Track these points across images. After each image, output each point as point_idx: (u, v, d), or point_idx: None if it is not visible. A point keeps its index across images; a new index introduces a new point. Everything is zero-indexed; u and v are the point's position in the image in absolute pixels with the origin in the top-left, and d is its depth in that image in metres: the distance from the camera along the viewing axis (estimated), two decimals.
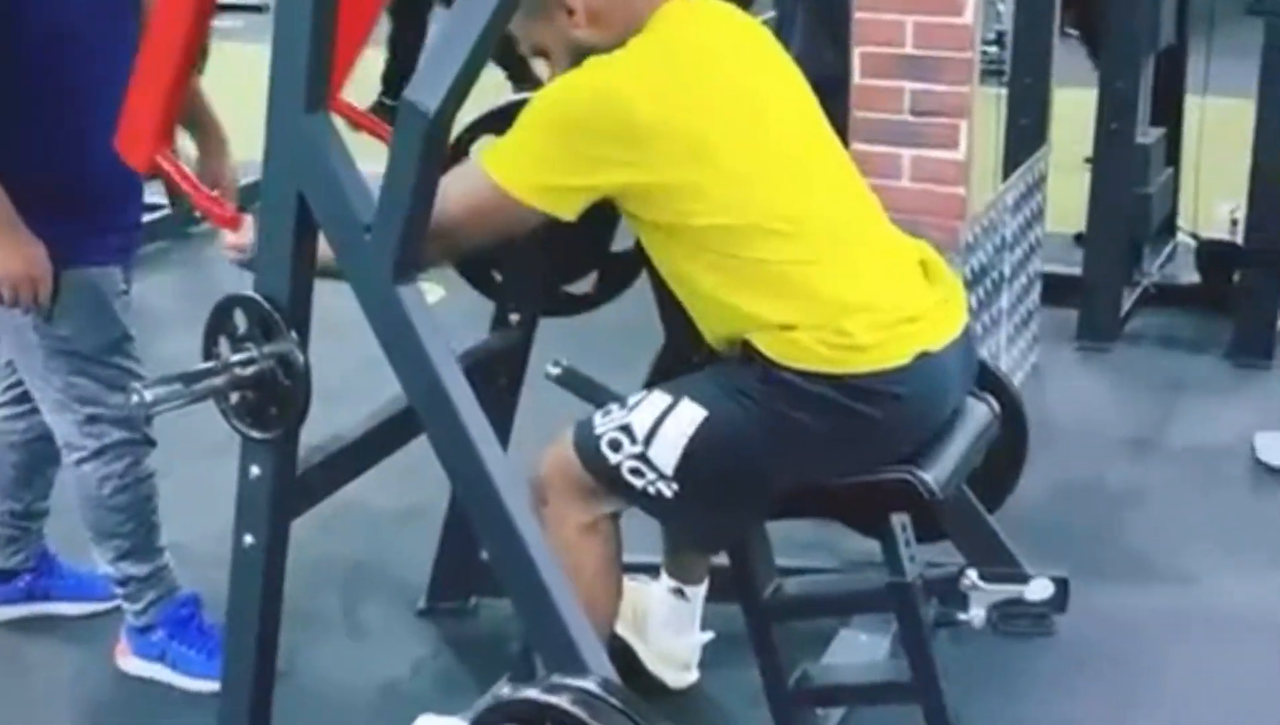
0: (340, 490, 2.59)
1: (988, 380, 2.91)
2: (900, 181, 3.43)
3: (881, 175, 3.36)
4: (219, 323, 2.16)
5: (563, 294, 2.88)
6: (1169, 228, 4.88)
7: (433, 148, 1.89)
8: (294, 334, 2.10)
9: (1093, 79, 4.43)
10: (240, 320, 2.14)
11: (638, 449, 2.20)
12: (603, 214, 2.60)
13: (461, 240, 2.18)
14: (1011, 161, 4.32)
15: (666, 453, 2.19)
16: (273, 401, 2.14)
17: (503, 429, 2.85)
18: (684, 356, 2.48)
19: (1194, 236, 4.81)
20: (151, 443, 2.78)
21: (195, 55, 2.38)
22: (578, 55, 2.20)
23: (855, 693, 2.49)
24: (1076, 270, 4.50)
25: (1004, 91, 4.50)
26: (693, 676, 2.79)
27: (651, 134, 2.11)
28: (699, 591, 2.73)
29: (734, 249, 2.17)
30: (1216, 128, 4.77)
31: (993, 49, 6.92)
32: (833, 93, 3.22)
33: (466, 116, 2.40)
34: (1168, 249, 4.91)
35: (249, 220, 2.25)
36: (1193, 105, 4.82)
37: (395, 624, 3.03)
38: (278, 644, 2.35)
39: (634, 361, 2.79)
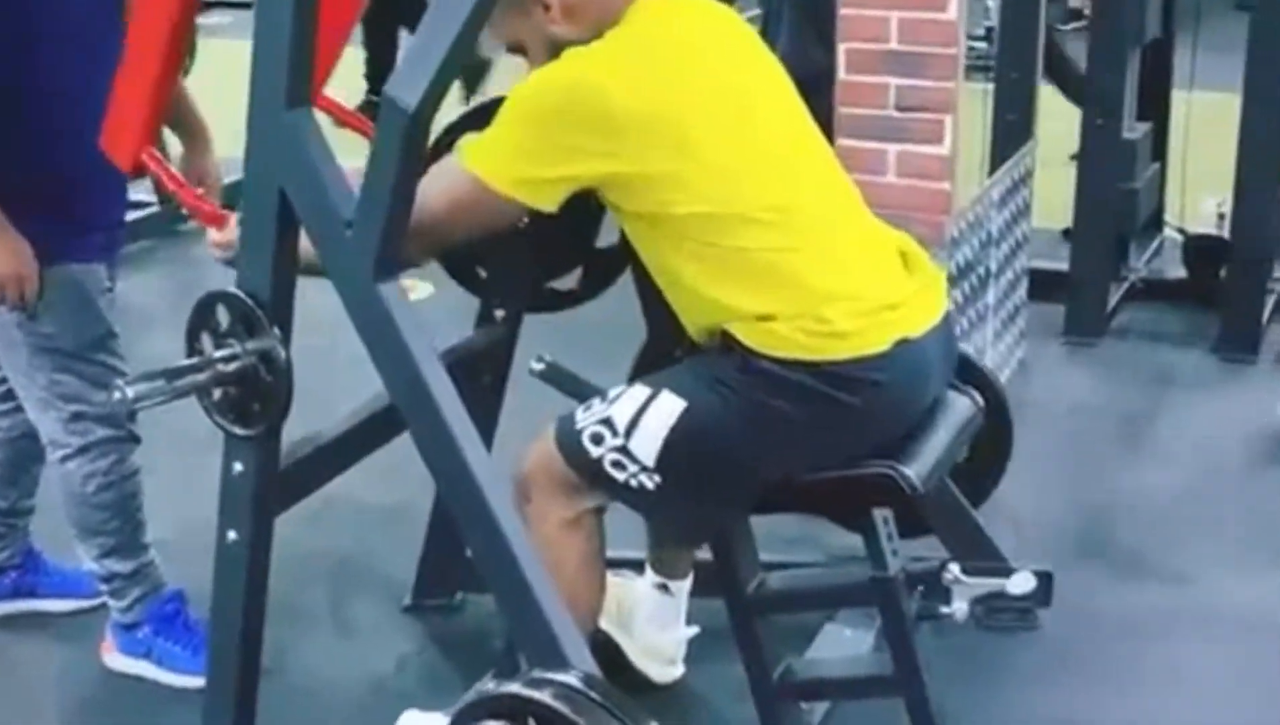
0: (326, 486, 2.59)
1: (972, 374, 2.91)
2: (886, 177, 3.43)
3: (867, 170, 3.37)
4: (202, 319, 2.17)
5: (548, 290, 2.88)
6: (1156, 223, 4.89)
7: (413, 144, 1.90)
8: (276, 330, 2.10)
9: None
10: (223, 316, 2.14)
11: (619, 442, 2.20)
12: (587, 210, 2.61)
13: (444, 236, 2.18)
14: (999, 157, 4.33)
15: (647, 444, 2.19)
16: (255, 397, 2.14)
17: (488, 425, 2.85)
18: (666, 351, 2.48)
19: (1181, 231, 4.82)
20: (136, 439, 2.78)
21: (181, 53, 2.38)
22: (554, 50, 2.21)
23: (839, 687, 2.50)
24: (1064, 265, 4.52)
25: (992, 87, 4.51)
26: (678, 671, 2.79)
27: (628, 124, 2.12)
28: (684, 586, 2.73)
29: (715, 237, 2.18)
30: (1204, 122, 4.78)
31: (982, 44, 6.94)
32: (819, 89, 3.23)
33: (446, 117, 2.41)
34: (1155, 244, 4.92)
35: (234, 218, 2.25)
36: (1179, 100, 4.83)
37: (381, 620, 3.03)
38: (262, 640, 2.35)
39: (618, 357, 2.80)
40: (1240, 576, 3.19)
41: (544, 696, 1.84)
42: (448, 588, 3.05)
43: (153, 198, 5.16)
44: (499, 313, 2.82)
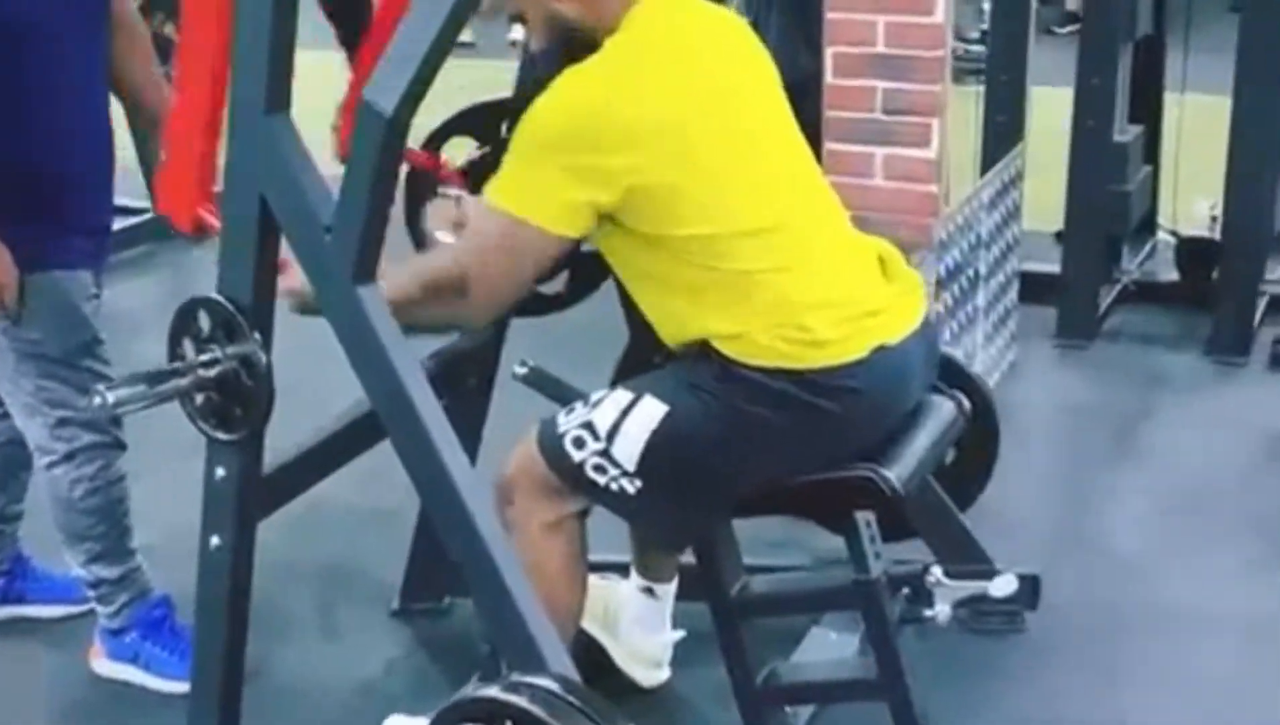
0: (314, 491, 2.60)
1: (958, 377, 2.92)
2: (873, 180, 3.45)
3: (855, 173, 3.38)
4: (183, 324, 2.17)
5: (533, 294, 2.87)
6: (1148, 225, 4.89)
7: (391, 148, 1.90)
8: (257, 335, 2.11)
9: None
10: (204, 321, 2.15)
11: (600, 446, 2.21)
12: None
13: (503, 288, 2.20)
14: (990, 159, 4.33)
15: (629, 449, 2.20)
16: (236, 402, 2.14)
17: (474, 430, 2.86)
18: (648, 355, 2.48)
19: (1174, 234, 4.82)
20: (122, 446, 2.79)
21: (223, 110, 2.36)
22: (553, 27, 2.23)
23: (823, 690, 2.49)
24: (1057, 268, 4.51)
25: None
26: (664, 675, 2.79)
27: (636, 134, 2.14)
28: (669, 590, 2.73)
29: (715, 260, 2.19)
30: (1197, 124, 4.78)
31: (977, 47, 6.93)
32: (807, 93, 3.24)
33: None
34: (1147, 246, 4.91)
35: (294, 263, 2.24)
36: (1172, 102, 4.83)
37: (369, 624, 3.03)
38: (246, 644, 2.35)
39: (601, 361, 2.80)
40: (1231, 578, 3.18)
41: (521, 701, 1.84)
42: (435, 592, 3.05)
43: (147, 203, 5.17)
44: None
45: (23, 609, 3.05)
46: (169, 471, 3.19)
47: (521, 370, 2.59)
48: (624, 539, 2.70)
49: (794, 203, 2.29)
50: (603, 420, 2.22)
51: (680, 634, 2.78)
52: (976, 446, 2.97)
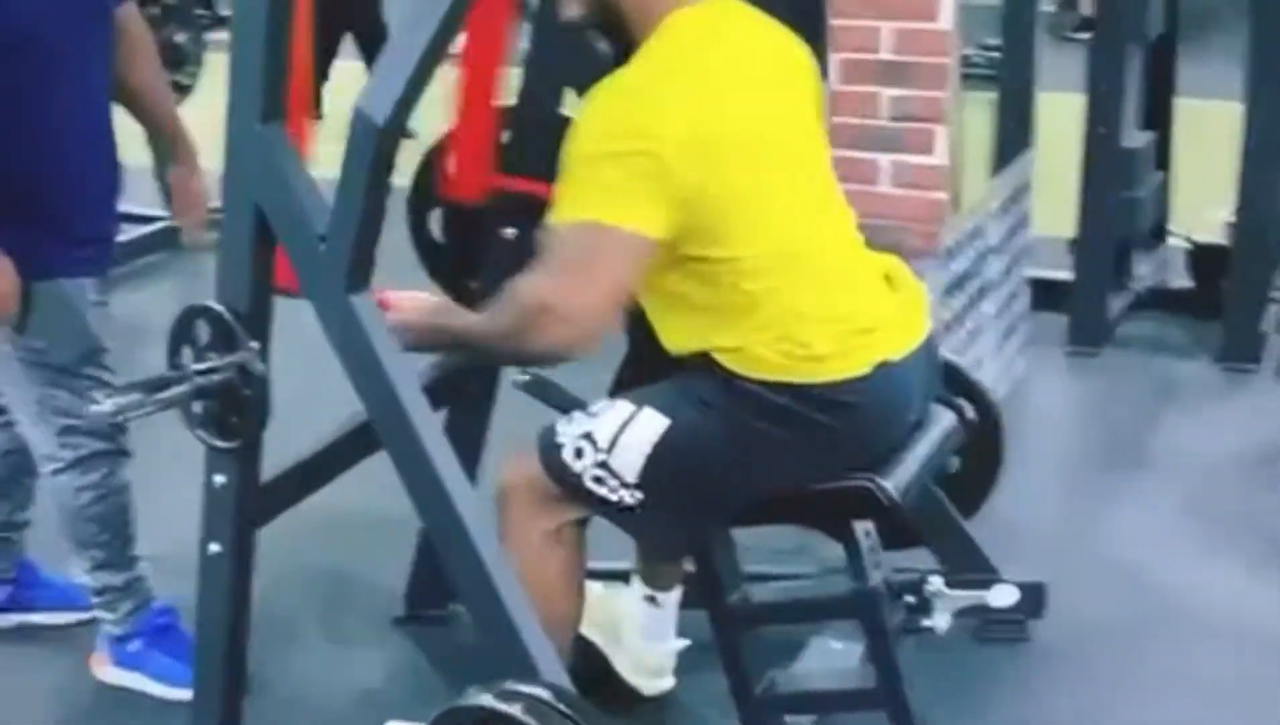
0: (319, 499, 2.61)
1: (963, 386, 2.92)
2: (879, 186, 3.45)
3: (861, 180, 3.38)
4: (182, 332, 2.18)
5: None
6: (1160, 232, 4.87)
7: (383, 157, 1.91)
8: (254, 343, 2.11)
9: None
10: (202, 330, 2.16)
11: (600, 457, 2.21)
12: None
13: (598, 303, 2.11)
14: (1001, 166, 4.33)
15: (628, 461, 2.20)
16: (234, 410, 2.15)
17: (476, 438, 2.86)
18: (647, 365, 2.48)
19: (1188, 240, 4.80)
20: (126, 453, 2.79)
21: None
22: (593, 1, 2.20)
23: (822, 700, 2.49)
24: (1069, 275, 4.50)
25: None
26: (668, 684, 2.78)
27: (684, 144, 2.10)
28: (672, 598, 2.72)
29: (737, 280, 2.17)
30: (1209, 131, 4.76)
31: (996, 54, 6.90)
32: None
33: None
34: (1159, 253, 4.89)
35: (395, 297, 2.25)
36: (1184, 108, 4.81)
37: (373, 632, 3.03)
38: (247, 650, 2.36)
39: (602, 369, 2.79)
40: (1241, 587, 3.17)
41: (514, 709, 1.85)
42: (440, 599, 3.05)
43: (160, 211, 5.18)
44: None
45: (29, 616, 3.06)
46: (179, 482, 3.19)
47: (522, 378, 2.59)
48: (627, 546, 2.69)
49: (815, 223, 2.28)
50: (603, 431, 2.22)
51: (685, 643, 2.77)
52: (981, 454, 2.97)
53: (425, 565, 3.03)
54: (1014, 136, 4.35)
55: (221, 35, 7.49)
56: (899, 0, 3.37)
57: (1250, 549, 3.33)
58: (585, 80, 2.53)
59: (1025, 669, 2.89)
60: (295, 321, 2.22)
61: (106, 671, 2.89)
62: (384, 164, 1.92)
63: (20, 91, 2.55)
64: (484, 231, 2.77)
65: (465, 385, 2.85)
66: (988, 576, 2.73)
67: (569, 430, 2.24)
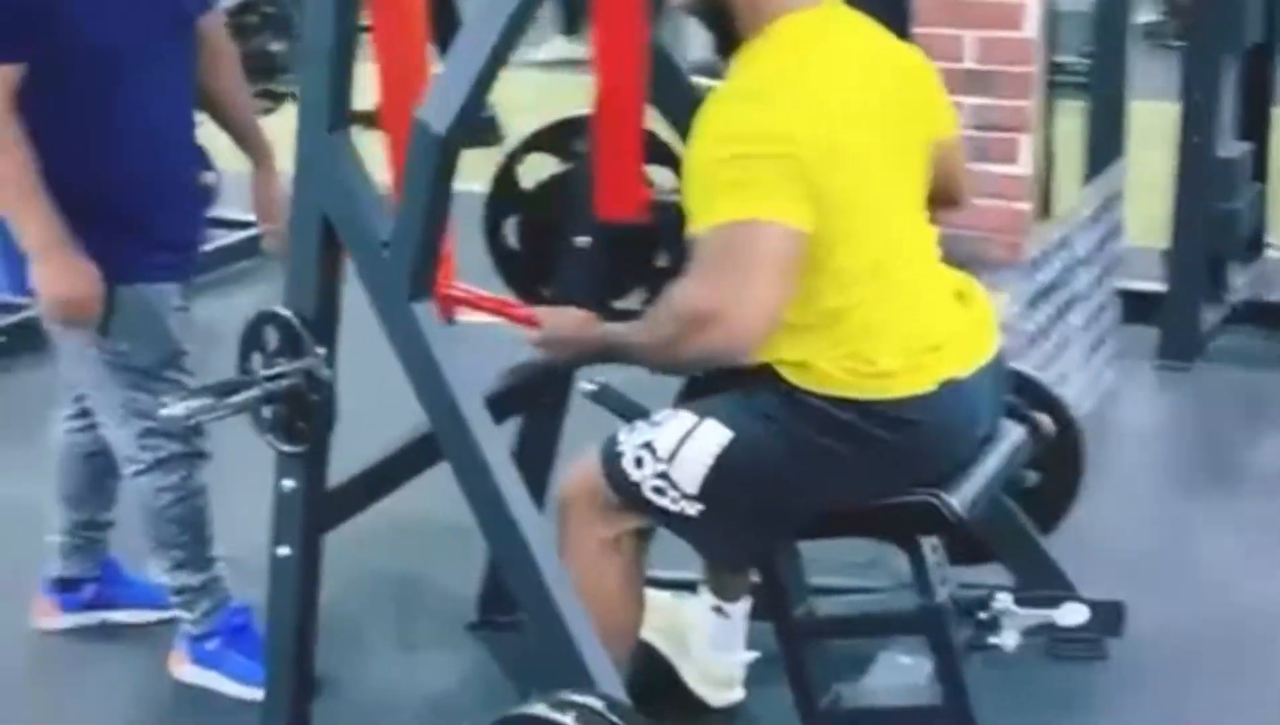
0: (393, 504, 2.62)
1: (1042, 399, 2.87)
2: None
3: None
4: (252, 338, 2.21)
5: (610, 310, 2.88)
6: (1257, 244, 4.76)
7: (444, 166, 1.92)
8: (320, 349, 2.14)
9: None
10: (271, 336, 2.19)
11: (660, 467, 2.20)
12: (649, 231, 2.62)
13: (765, 304, 2.07)
14: (1092, 176, 4.26)
15: (690, 472, 2.19)
16: (300, 415, 2.18)
17: (548, 445, 2.87)
18: (714, 376, 2.47)
19: None
20: (205, 456, 2.83)
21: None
22: None
23: (886, 716, 2.47)
24: (1161, 287, 4.41)
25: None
26: (736, 695, 2.76)
27: (822, 150, 2.09)
28: (740, 609, 2.70)
29: (832, 298, 2.16)
30: None
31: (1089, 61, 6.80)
32: None
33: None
34: (1256, 266, 4.78)
35: (544, 315, 2.29)
36: None
37: (445, 637, 3.05)
38: (315, 652, 2.38)
39: (669, 380, 2.78)
40: None
41: (567, 719, 1.84)
42: (512, 606, 3.04)
43: (252, 217, 5.24)
44: None
45: (111, 614, 3.11)
46: (255, 485, 3.24)
47: (590, 387, 2.58)
48: (695, 556, 2.68)
49: (902, 238, 2.27)
50: (664, 441, 2.21)
51: (754, 655, 2.75)
52: (1060, 469, 2.92)
53: (498, 571, 3.04)
54: (1105, 145, 4.27)
55: None
56: (983, 8, 3.32)
57: None
58: (664, 97, 2.55)
59: (1100, 688, 2.83)
60: (372, 328, 2.25)
61: (184, 670, 2.93)
62: (445, 172, 1.93)
63: (103, 99, 2.60)
64: (559, 239, 2.78)
65: (539, 393, 2.86)
66: (1059, 594, 2.68)
67: (630, 439, 2.24)
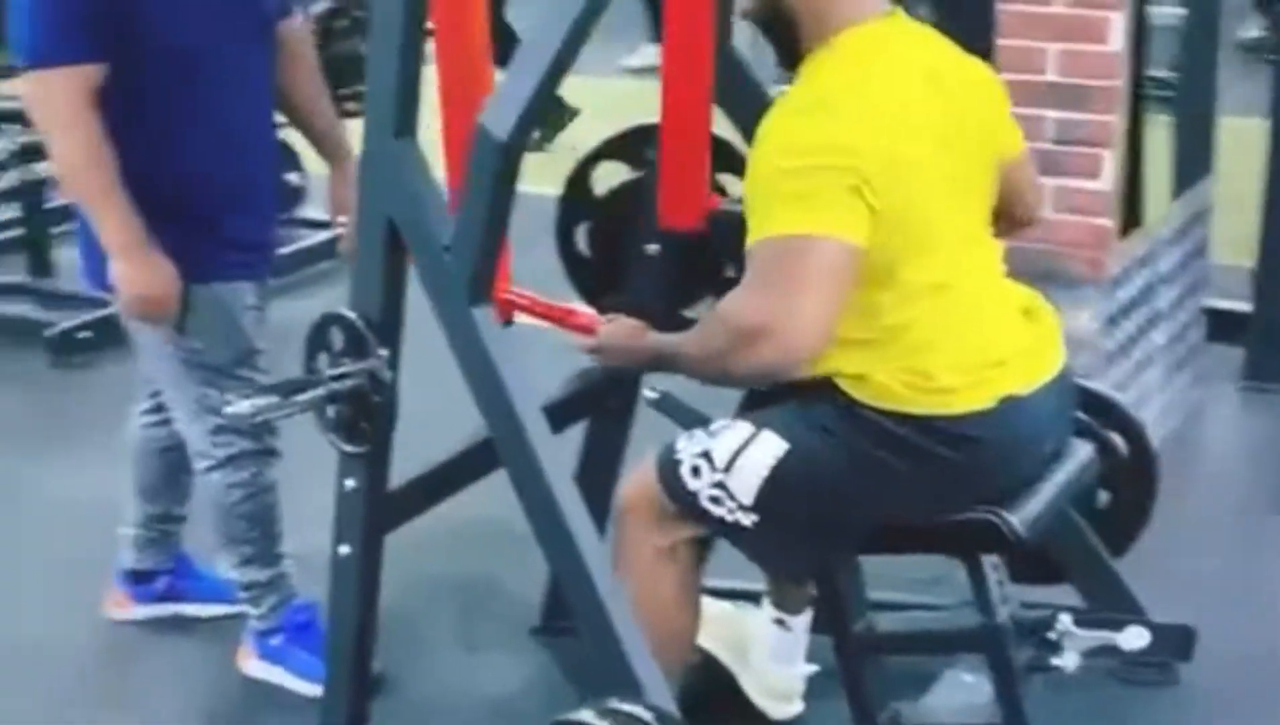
0: (458, 506, 2.64)
1: (1116, 418, 2.83)
2: (1042, 212, 3.35)
3: None
4: (318, 339, 2.24)
5: (679, 318, 2.88)
6: None
7: (506, 172, 1.93)
8: (383, 351, 2.16)
9: None
10: (336, 337, 2.21)
11: (717, 477, 2.20)
12: (717, 240, 2.61)
13: (818, 320, 2.04)
14: (1179, 193, 4.18)
15: (746, 482, 2.18)
16: (363, 416, 2.20)
17: (614, 451, 2.87)
18: (773, 387, 2.46)
19: None
20: (275, 453, 2.87)
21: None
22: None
23: None
24: (1249, 306, 4.32)
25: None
26: (796, 708, 2.75)
27: (888, 164, 2.08)
28: (801, 622, 2.69)
29: (891, 315, 2.14)
30: None
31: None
32: None
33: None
34: None
35: (602, 323, 2.30)
36: None
37: (507, 641, 3.06)
38: (374, 650, 2.40)
39: (734, 390, 2.77)
40: None
41: None
42: None
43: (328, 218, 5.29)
44: None
45: (183, 607, 3.16)
46: (325, 485, 3.28)
47: (652, 395, 2.59)
48: (757, 568, 2.67)
49: (966, 255, 2.24)
50: (721, 451, 2.21)
51: (814, 668, 2.74)
52: (1132, 489, 2.87)
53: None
54: (1193, 161, 4.20)
55: None
56: (1067, 21, 3.28)
57: None
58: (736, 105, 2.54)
59: (1164, 714, 2.78)
60: (436, 331, 2.26)
61: (250, 665, 2.97)
62: (507, 178, 1.94)
63: (181, 99, 2.63)
64: (629, 246, 2.79)
65: (606, 398, 2.86)
66: (1124, 616, 2.64)
67: (688, 448, 2.24)
